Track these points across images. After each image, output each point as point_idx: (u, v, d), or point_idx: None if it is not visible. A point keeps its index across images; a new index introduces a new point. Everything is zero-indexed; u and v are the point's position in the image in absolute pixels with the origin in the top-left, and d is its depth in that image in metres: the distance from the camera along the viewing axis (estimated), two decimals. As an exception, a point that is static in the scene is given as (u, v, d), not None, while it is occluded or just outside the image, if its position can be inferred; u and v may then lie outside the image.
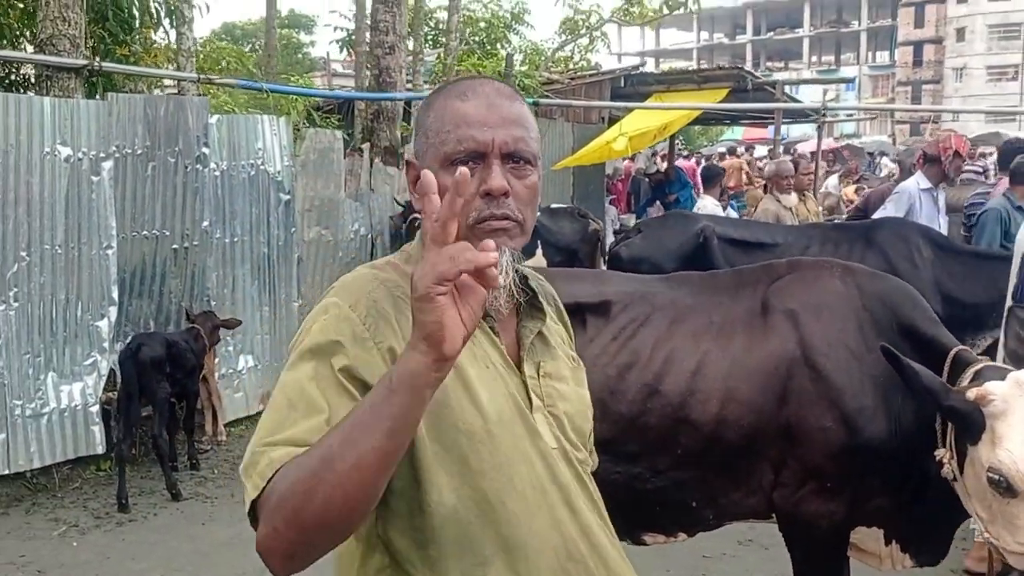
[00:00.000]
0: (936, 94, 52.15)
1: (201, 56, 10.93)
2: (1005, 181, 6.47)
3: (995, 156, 9.38)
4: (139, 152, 6.15)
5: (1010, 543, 2.18)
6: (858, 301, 2.73)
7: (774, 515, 2.82)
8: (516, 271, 1.43)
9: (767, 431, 2.70)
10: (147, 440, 6.02)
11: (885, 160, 18.24)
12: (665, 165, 15.20)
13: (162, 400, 5.64)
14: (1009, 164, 6.69)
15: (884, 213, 6.09)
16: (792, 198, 6.78)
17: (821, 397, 2.64)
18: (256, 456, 1.25)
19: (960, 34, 54.16)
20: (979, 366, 2.35)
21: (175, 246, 6.47)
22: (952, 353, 2.47)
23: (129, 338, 5.97)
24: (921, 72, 55.73)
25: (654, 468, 2.80)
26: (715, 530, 2.94)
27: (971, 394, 2.23)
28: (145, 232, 6.31)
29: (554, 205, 9.08)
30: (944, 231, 5.83)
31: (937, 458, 2.39)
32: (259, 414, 6.75)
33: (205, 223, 6.62)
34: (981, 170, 8.74)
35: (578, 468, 1.47)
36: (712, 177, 8.09)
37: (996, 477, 2.16)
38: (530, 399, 1.44)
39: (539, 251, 7.28)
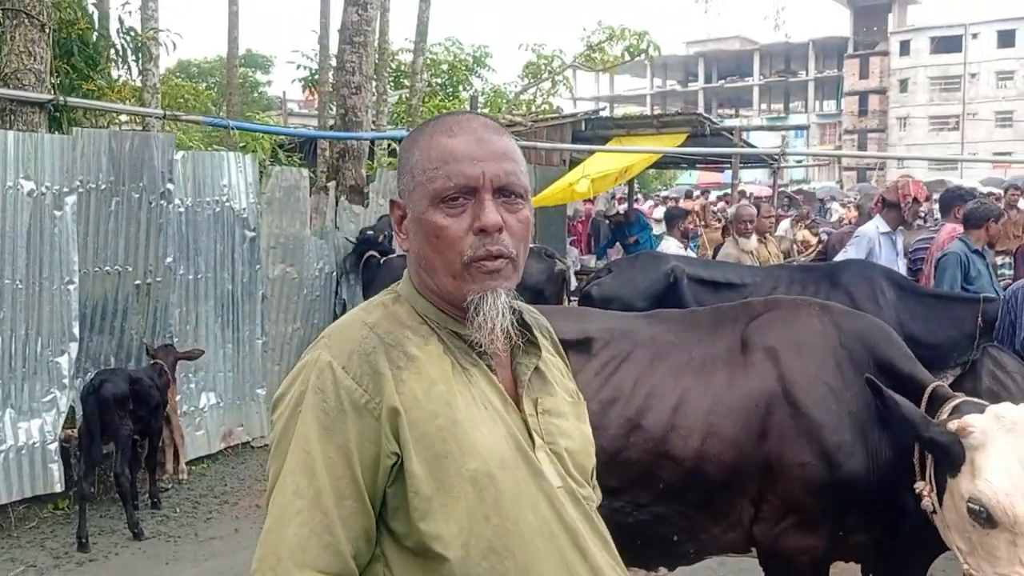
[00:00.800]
0: (881, 142, 53.63)
1: (161, 94, 10.90)
2: (948, 227, 6.69)
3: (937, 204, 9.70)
4: (103, 187, 6.09)
5: (989, 574, 2.23)
6: (836, 339, 2.80)
7: (754, 549, 2.86)
8: (513, 310, 1.42)
9: (747, 466, 2.75)
10: (106, 478, 5.89)
11: (835, 205, 18.69)
12: (624, 208, 15.41)
13: (124, 437, 5.53)
14: (950, 210, 6.93)
15: (845, 256, 6.24)
16: (752, 242, 6.92)
17: (800, 433, 2.69)
18: None
19: (903, 85, 55.91)
20: (957, 401, 2.42)
21: (138, 282, 6.38)
22: (929, 389, 2.54)
23: (91, 374, 5.87)
24: (867, 121, 57.32)
25: (636, 502, 2.82)
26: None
27: (951, 426, 2.29)
28: (108, 268, 6.23)
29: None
30: (903, 273, 5.99)
31: (917, 491, 2.44)
32: (221, 452, 6.68)
33: (169, 259, 6.56)
34: (923, 215, 9.01)
35: (584, 506, 1.44)
36: (674, 219, 8.21)
37: (976, 508, 2.21)
38: (532, 438, 1.41)
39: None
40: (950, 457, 2.31)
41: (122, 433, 5.51)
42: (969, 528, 2.28)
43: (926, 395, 2.51)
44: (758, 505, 2.78)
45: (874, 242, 6.28)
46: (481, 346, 1.40)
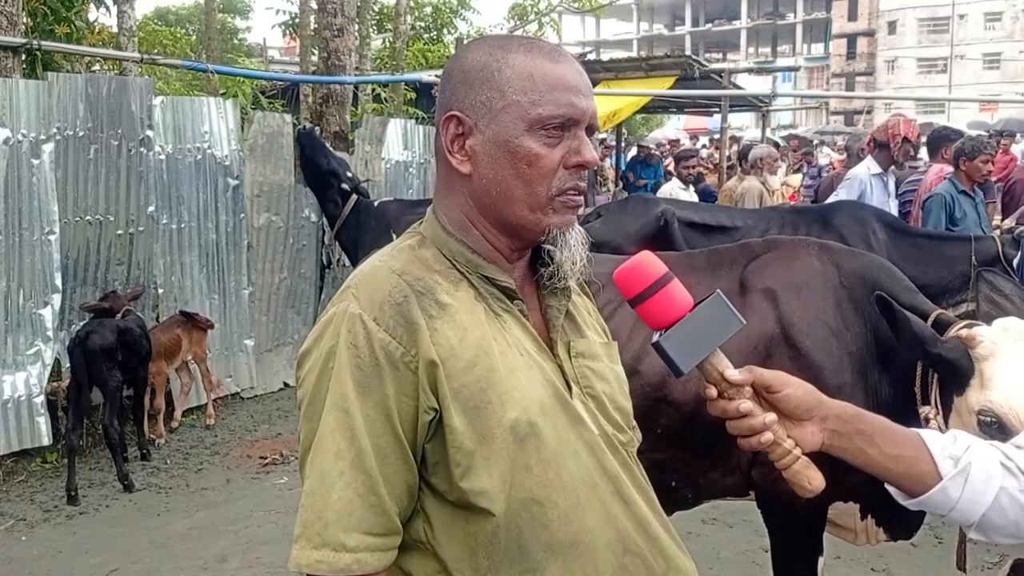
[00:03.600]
0: (869, 85, 53.33)
1: (138, 41, 10.61)
2: (936, 167, 6.64)
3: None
4: (81, 134, 5.94)
5: None
6: (836, 279, 2.74)
7: (752, 493, 2.84)
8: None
9: (747, 410, 2.71)
10: (95, 431, 5.85)
11: (825, 150, 18.56)
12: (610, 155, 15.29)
13: (112, 389, 5.48)
14: (937, 151, 6.88)
15: (836, 198, 6.19)
16: (775, 180, 6.99)
17: (800, 375, 2.58)
18: (337, 552, 1.22)
19: (892, 27, 55.44)
20: (960, 325, 2.39)
21: (120, 232, 6.27)
22: (933, 316, 2.50)
23: (78, 326, 5.79)
24: (855, 64, 56.95)
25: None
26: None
27: (961, 334, 2.26)
28: (88, 217, 6.11)
29: None
30: (895, 214, 5.94)
31: (922, 415, 2.42)
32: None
33: (151, 208, 6.44)
34: (922, 159, 8.95)
35: (623, 453, 1.40)
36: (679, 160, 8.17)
37: (987, 419, 2.18)
38: (568, 384, 1.36)
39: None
40: (959, 372, 2.27)
41: (110, 385, 5.46)
42: None
43: (930, 322, 2.47)
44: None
45: (865, 184, 6.23)
46: (514, 290, 1.35)
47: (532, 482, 1.27)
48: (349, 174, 7.22)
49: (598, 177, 13.42)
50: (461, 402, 1.25)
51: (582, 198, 1.35)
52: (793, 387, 1.33)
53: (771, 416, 1.30)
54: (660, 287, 1.28)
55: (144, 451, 5.90)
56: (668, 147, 16.82)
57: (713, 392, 1.32)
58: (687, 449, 2.77)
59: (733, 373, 1.31)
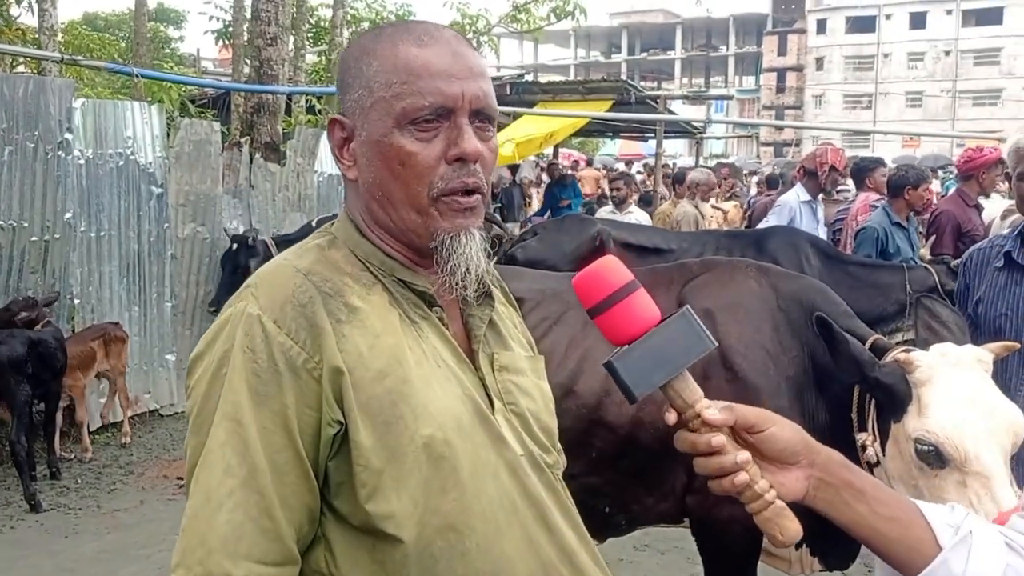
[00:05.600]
0: (797, 118, 54.56)
1: (63, 44, 10.26)
2: (862, 196, 6.75)
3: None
4: (-6, 135, 5.67)
5: None
6: (774, 301, 2.70)
7: (686, 519, 2.77)
8: (488, 255, 1.25)
9: (683, 433, 2.64)
10: (2, 448, 5.54)
11: (756, 179, 18.91)
12: (545, 176, 15.31)
13: (21, 403, 5.20)
14: (862, 180, 7.01)
15: (767, 224, 6.24)
16: (707, 206, 7.04)
17: (737, 398, 2.50)
18: None
19: (819, 63, 57.11)
20: (898, 351, 2.36)
21: (34, 238, 6.01)
22: (870, 341, 2.47)
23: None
24: (784, 97, 58.42)
25: (567, 472, 2.66)
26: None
27: (898, 358, 2.22)
28: (0, 222, 5.82)
29: None
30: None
31: (859, 443, 2.37)
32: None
33: (68, 215, 6.19)
34: (845, 188, 9.13)
35: (548, 475, 1.28)
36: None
37: (925, 448, 2.13)
38: (490, 399, 1.24)
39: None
40: (896, 397, 2.23)
41: (18, 399, 5.18)
42: (916, 474, 2.20)
43: (867, 346, 2.43)
44: (691, 474, 2.68)
45: (795, 211, 6.30)
46: (432, 297, 1.23)
47: (447, 506, 1.15)
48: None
49: (524, 197, 13.42)
50: (369, 415, 1.13)
51: (476, 198, 1.21)
52: (779, 426, 1.14)
53: (744, 455, 1.11)
54: (623, 296, 1.14)
55: (54, 469, 5.60)
56: (568, 166, 16.95)
57: (672, 417, 1.15)
58: (621, 473, 2.69)
59: (712, 413, 1.12)
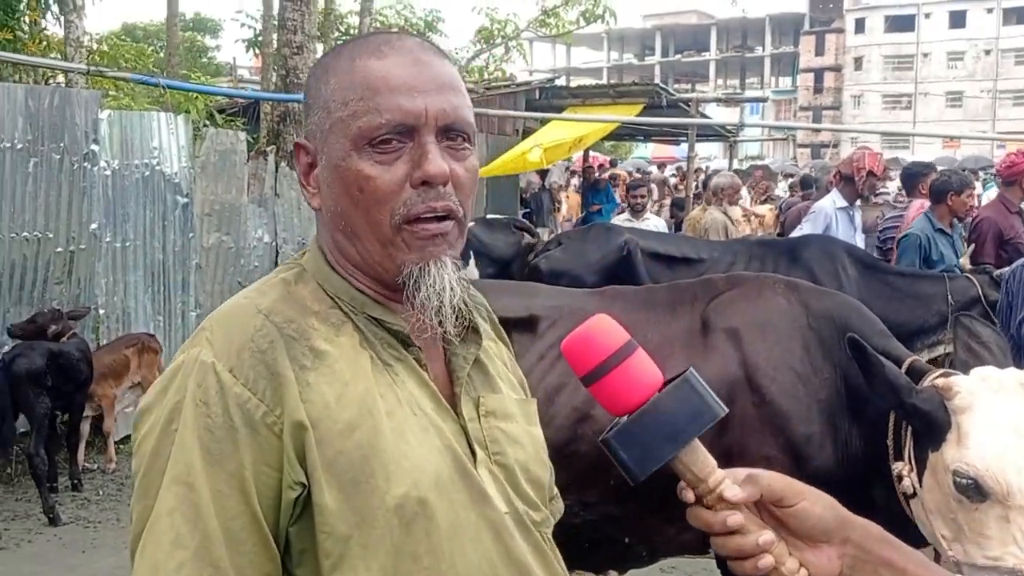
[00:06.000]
0: (836, 119, 53.98)
1: (99, 54, 10.33)
2: (916, 204, 6.52)
3: (897, 181, 9.60)
4: (19, 146, 5.70)
5: (979, 558, 2.00)
6: (804, 320, 2.55)
7: (712, 551, 2.62)
8: (464, 286, 1.12)
9: (706, 459, 2.50)
10: (24, 459, 5.53)
11: (788, 181, 18.60)
12: (579, 180, 15.16)
13: (40, 416, 5.17)
14: (914, 187, 6.77)
15: (801, 232, 6.06)
16: (737, 211, 6.84)
17: (765, 424, 2.45)
18: None
19: (858, 63, 56.37)
20: (936, 374, 2.21)
21: (60, 249, 6.01)
22: (907, 363, 2.31)
23: (6, 348, 5.48)
24: (821, 98, 57.72)
25: (583, 501, 2.55)
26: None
27: (936, 383, 2.07)
28: (26, 233, 5.83)
29: (488, 216, 8.83)
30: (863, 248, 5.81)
31: (895, 472, 2.22)
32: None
33: (94, 225, 6.19)
34: (890, 192, 8.89)
35: (536, 535, 1.14)
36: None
37: (963, 481, 1.99)
38: (473, 450, 1.11)
39: (472, 262, 7.01)
40: (934, 425, 2.08)
41: (38, 412, 5.15)
42: (954, 507, 2.05)
43: (904, 369, 2.28)
44: (717, 502, 2.54)
45: (830, 217, 6.09)
46: (408, 336, 1.10)
47: (420, 575, 1.02)
48: None
49: (554, 203, 13.27)
50: (336, 475, 1.00)
51: (449, 224, 1.09)
52: (811, 500, 1.00)
53: (767, 536, 0.98)
54: (619, 362, 1.01)
55: (75, 481, 5.58)
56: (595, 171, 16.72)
57: (690, 495, 1.01)
58: (640, 502, 2.55)
59: (731, 491, 0.98)
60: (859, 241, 6.12)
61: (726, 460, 2.47)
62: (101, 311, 6.35)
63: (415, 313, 1.08)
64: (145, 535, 0.99)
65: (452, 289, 1.07)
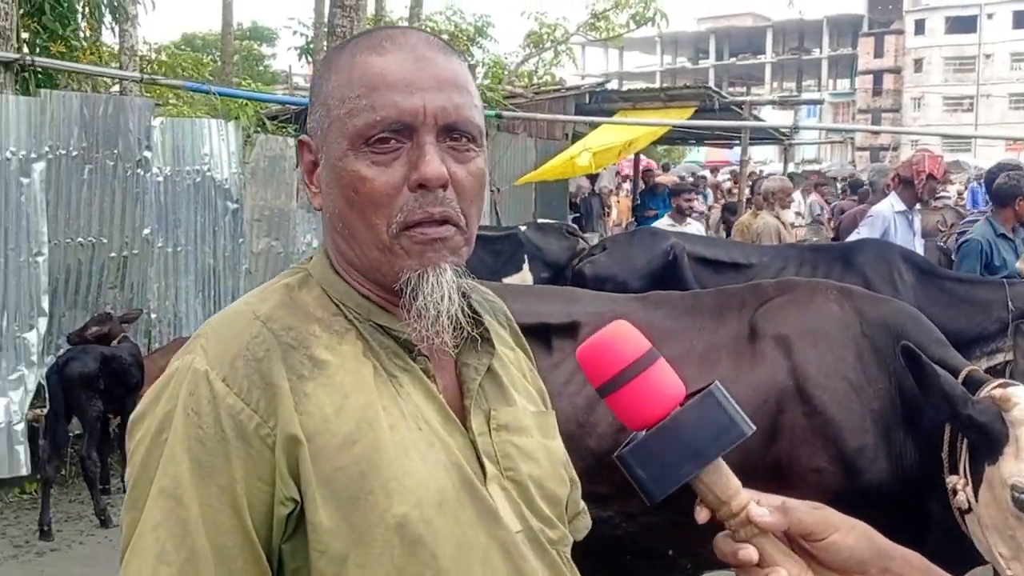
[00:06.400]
0: (895, 122, 52.86)
1: (157, 64, 10.54)
2: None
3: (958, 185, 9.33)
4: (74, 154, 5.80)
5: None
6: (858, 327, 2.45)
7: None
8: (465, 295, 1.06)
9: (754, 471, 2.39)
10: (77, 461, 5.62)
11: (841, 185, 18.21)
12: (628, 185, 15.05)
13: (92, 419, 5.24)
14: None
15: (858, 236, 5.89)
16: (790, 214, 6.69)
17: (816, 435, 2.36)
18: None
19: (918, 65, 55.20)
20: (994, 384, 2.10)
21: (113, 254, 6.11)
22: (964, 372, 2.21)
23: (60, 352, 5.58)
24: (880, 101, 56.62)
25: (625, 512, 2.48)
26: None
27: (993, 394, 1.98)
28: (80, 239, 5.94)
29: (541, 220, 8.78)
30: (921, 254, 5.62)
31: (950, 486, 2.13)
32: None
33: (146, 231, 6.28)
34: (950, 196, 8.63)
35: (552, 554, 1.08)
36: (671, 195, 7.88)
37: (1022, 496, 1.89)
38: (483, 466, 1.05)
39: (525, 266, 6.97)
40: (991, 437, 1.99)
41: (90, 414, 5.22)
42: (1012, 524, 1.96)
43: (960, 379, 2.18)
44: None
45: (889, 221, 5.91)
46: (414, 345, 1.04)
47: None
48: None
49: (604, 207, 13.16)
50: (333, 491, 0.95)
51: (449, 228, 1.03)
52: (843, 532, 0.93)
53: (794, 570, 0.92)
54: (637, 372, 0.94)
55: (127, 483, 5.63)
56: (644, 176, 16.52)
57: (704, 515, 0.94)
58: (684, 513, 2.46)
59: (760, 515, 0.90)
60: (918, 246, 5.93)
61: (775, 471, 2.40)
62: (153, 315, 6.44)
63: (412, 321, 1.03)
64: (129, 550, 0.95)
65: (450, 298, 1.01)
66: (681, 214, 7.43)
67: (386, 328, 1.06)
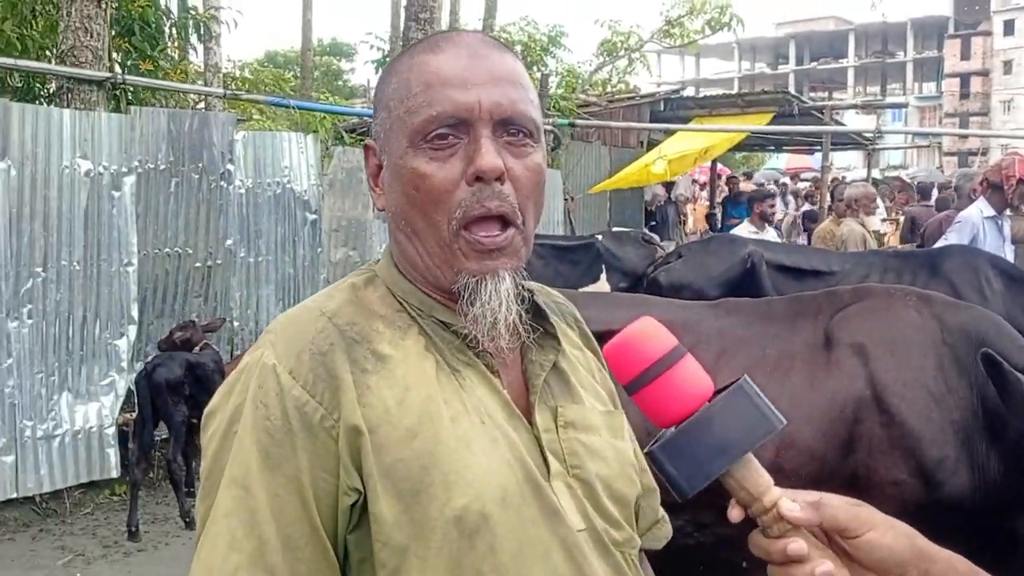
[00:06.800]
0: (984, 126, 51.14)
1: (241, 80, 10.88)
2: None
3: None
4: (162, 167, 6.00)
5: None
6: (938, 334, 2.38)
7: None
8: (523, 299, 1.07)
9: (830, 483, 2.35)
10: (164, 464, 5.80)
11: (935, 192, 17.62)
12: (706, 192, 14.86)
13: (178, 424, 5.40)
14: None
15: (946, 242, 5.71)
16: (875, 221, 6.53)
17: (895, 446, 2.29)
18: None
19: (1007, 67, 53.30)
20: None
21: (198, 264, 6.29)
22: (1051, 383, 2.12)
23: (148, 358, 5.78)
24: (968, 104, 54.84)
25: (697, 522, 2.45)
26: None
27: None
28: (167, 249, 6.14)
29: (616, 229, 8.73)
30: (1011, 260, 5.42)
31: None
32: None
33: (229, 241, 6.46)
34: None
35: (617, 556, 1.07)
36: (752, 201, 7.72)
37: None
38: (546, 463, 1.05)
39: (603, 276, 6.94)
40: None
41: (175, 419, 5.39)
42: None
43: (1048, 392, 2.09)
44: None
45: (978, 227, 5.72)
46: (475, 340, 1.06)
47: None
48: None
49: (680, 215, 13.02)
50: (394, 482, 0.97)
51: (509, 234, 1.04)
52: (880, 530, 0.91)
53: (826, 567, 0.90)
54: (664, 368, 0.94)
55: (212, 487, 5.80)
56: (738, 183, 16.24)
57: (737, 513, 0.94)
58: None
59: (791, 509, 0.90)
60: (1008, 253, 5.72)
61: (851, 484, 2.34)
62: (235, 323, 6.61)
63: (468, 325, 1.04)
64: (202, 538, 0.98)
65: (508, 307, 1.02)
66: (763, 221, 7.30)
67: (449, 324, 1.07)
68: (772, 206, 7.59)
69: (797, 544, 0.89)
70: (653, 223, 12.22)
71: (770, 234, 7.26)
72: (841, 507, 0.92)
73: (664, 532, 1.26)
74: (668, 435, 0.94)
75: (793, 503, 0.91)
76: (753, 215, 7.46)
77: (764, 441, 0.93)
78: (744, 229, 7.22)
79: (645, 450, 0.95)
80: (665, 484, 0.95)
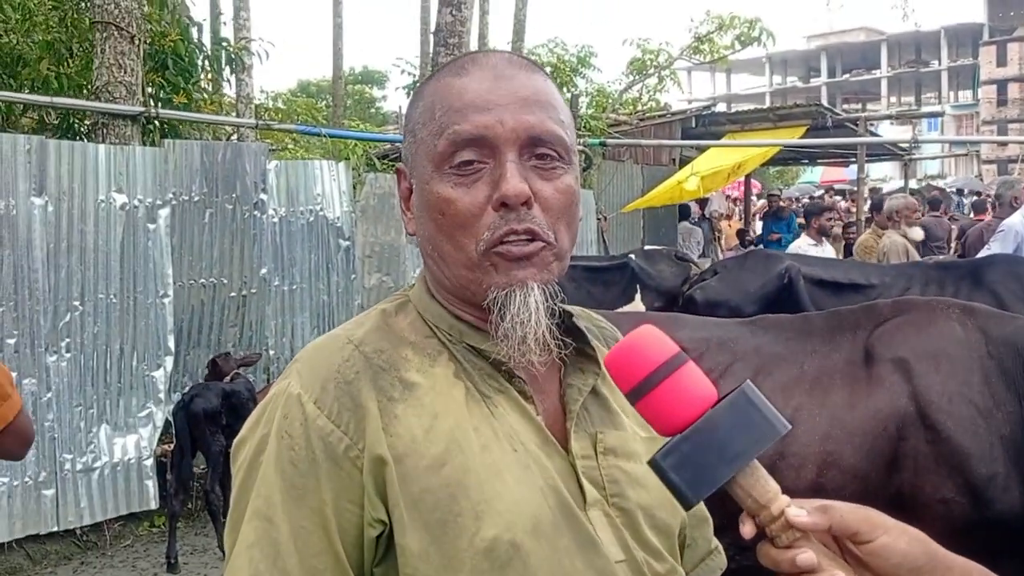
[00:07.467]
0: (1023, 133, 50.31)
1: (274, 111, 11.01)
2: None
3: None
4: (196, 199, 6.06)
5: None
6: (983, 348, 2.30)
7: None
8: (554, 314, 1.03)
9: (874, 503, 2.25)
10: (203, 494, 5.82)
11: (969, 200, 17.34)
12: (739, 207, 14.73)
13: (216, 454, 5.41)
14: None
15: (988, 252, 5.58)
16: (917, 232, 6.44)
17: (941, 463, 2.22)
18: None
19: (1046, 71, 52.43)
20: None
21: (233, 294, 6.33)
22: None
23: (185, 389, 5.81)
24: (1006, 111, 53.95)
25: (738, 544, 2.37)
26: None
27: None
28: (202, 280, 6.19)
29: (648, 247, 8.67)
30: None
31: None
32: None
33: (263, 270, 6.49)
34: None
35: None
36: (809, 215, 7.54)
37: None
38: (583, 491, 1.01)
39: (638, 296, 6.88)
40: None
41: (213, 449, 5.39)
42: None
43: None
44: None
45: (1021, 236, 5.61)
46: (509, 366, 1.02)
47: None
48: None
49: (715, 232, 12.90)
50: (421, 513, 0.94)
51: (537, 244, 1.00)
52: (893, 535, 0.88)
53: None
54: (665, 375, 0.91)
55: (250, 516, 5.80)
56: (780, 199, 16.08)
57: (750, 528, 0.89)
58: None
59: (798, 515, 0.86)
60: (1053, 261, 5.58)
61: (897, 503, 2.26)
62: (271, 352, 6.63)
63: (499, 340, 1.01)
64: (227, 569, 0.97)
65: (537, 320, 0.98)
66: (821, 235, 7.13)
67: (479, 350, 1.04)
68: (830, 219, 7.44)
69: (806, 554, 0.85)
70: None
71: (827, 249, 7.11)
72: (849, 510, 0.88)
73: (718, 563, 1.21)
74: (670, 443, 0.91)
75: (800, 509, 0.87)
76: (810, 228, 7.29)
77: (771, 445, 0.90)
78: (803, 243, 7.08)
79: (648, 459, 0.91)
80: (670, 493, 0.92)
